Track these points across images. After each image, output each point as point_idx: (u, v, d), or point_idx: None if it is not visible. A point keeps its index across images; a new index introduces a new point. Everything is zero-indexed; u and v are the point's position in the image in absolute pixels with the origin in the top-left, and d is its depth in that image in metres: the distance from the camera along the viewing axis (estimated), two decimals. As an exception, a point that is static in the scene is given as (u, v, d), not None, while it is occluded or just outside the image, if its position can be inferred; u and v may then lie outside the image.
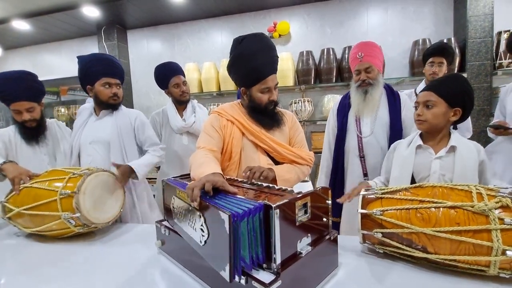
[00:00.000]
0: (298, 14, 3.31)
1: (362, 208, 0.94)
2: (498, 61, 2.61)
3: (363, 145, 1.60)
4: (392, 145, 1.31)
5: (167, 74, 1.86)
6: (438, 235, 0.78)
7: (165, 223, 1.02)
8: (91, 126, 1.53)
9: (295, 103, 3.12)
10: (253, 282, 0.61)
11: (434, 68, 2.03)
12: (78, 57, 1.51)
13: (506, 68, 2.57)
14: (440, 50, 2.04)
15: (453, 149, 1.11)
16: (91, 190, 1.18)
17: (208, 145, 1.16)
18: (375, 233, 0.89)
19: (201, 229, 0.71)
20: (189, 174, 1.09)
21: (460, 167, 1.07)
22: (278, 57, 1.21)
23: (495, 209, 0.75)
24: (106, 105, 1.52)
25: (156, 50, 3.85)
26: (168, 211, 0.98)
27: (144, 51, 3.89)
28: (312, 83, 3.17)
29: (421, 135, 1.21)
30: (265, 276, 0.62)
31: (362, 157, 1.61)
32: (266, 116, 1.23)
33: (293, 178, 1.19)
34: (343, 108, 1.71)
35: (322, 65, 3.12)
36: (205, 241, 0.69)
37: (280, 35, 3.32)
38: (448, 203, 0.81)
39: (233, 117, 1.24)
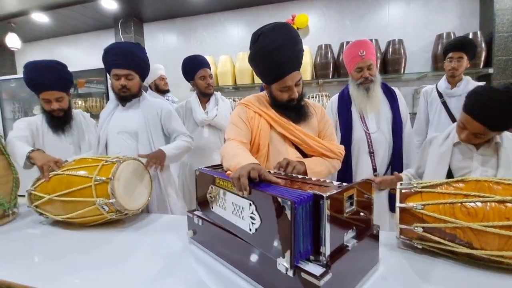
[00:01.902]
0: (316, 7, 3.25)
1: (401, 202, 0.92)
2: (527, 56, 2.51)
3: (372, 141, 1.63)
4: (427, 139, 1.28)
5: (194, 66, 1.87)
6: (486, 230, 0.76)
7: (197, 213, 1.02)
8: (118, 116, 1.54)
9: (312, 97, 3.09)
10: (302, 274, 0.60)
11: (453, 63, 1.95)
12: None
13: (536, 63, 2.47)
14: (459, 44, 1.96)
15: (496, 144, 1.07)
16: (124, 177, 1.20)
17: (238, 136, 1.15)
18: (415, 228, 0.87)
19: (251, 217, 0.71)
20: (220, 165, 1.09)
21: (505, 163, 1.03)
22: (302, 50, 1.13)
23: (550, 204, 0.72)
24: (120, 97, 1.51)
25: (172, 43, 3.85)
26: (202, 201, 0.98)
27: (160, 44, 3.89)
28: (330, 77, 3.13)
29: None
30: (314, 269, 0.61)
31: (371, 153, 1.63)
32: (291, 110, 1.20)
33: (324, 171, 1.17)
34: (345, 106, 1.70)
35: (341, 59, 3.06)
36: (256, 229, 0.69)
37: (298, 28, 3.27)
38: (497, 197, 0.78)
39: (260, 109, 1.21)
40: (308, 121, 1.23)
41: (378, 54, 2.90)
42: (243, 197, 0.72)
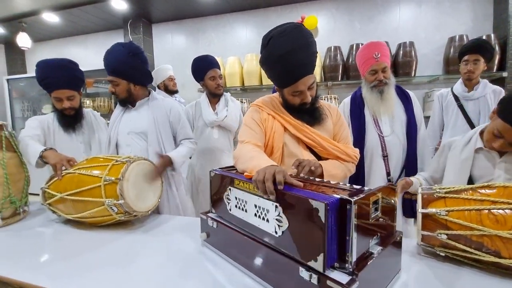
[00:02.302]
0: (326, 9, 3.23)
1: (423, 207, 0.89)
2: (543, 60, 2.45)
3: (386, 144, 1.59)
4: (446, 143, 1.23)
5: (204, 67, 1.85)
6: (517, 239, 0.72)
7: (211, 215, 0.99)
8: (128, 117, 1.53)
9: (321, 99, 3.05)
10: (327, 282, 0.57)
11: (469, 66, 1.92)
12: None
13: (552, 67, 2.41)
14: (475, 46, 1.92)
15: None
16: (134, 178, 1.18)
17: (253, 139, 1.12)
18: (439, 235, 0.84)
19: (277, 219, 0.69)
20: (232, 167, 1.06)
21: None
22: (315, 52, 1.07)
23: None
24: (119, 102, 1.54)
25: (180, 44, 3.86)
26: (218, 203, 0.96)
27: (169, 45, 3.90)
28: (340, 79, 3.10)
29: (481, 135, 1.12)
30: (340, 276, 0.58)
31: (385, 157, 1.60)
32: (304, 113, 1.16)
33: (339, 175, 1.14)
34: (357, 108, 1.66)
35: (350, 61, 3.04)
36: (283, 231, 0.68)
37: (307, 30, 3.25)
38: (528, 205, 0.74)
39: (274, 111, 1.19)
40: (323, 124, 1.20)
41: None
42: (268, 199, 0.71)
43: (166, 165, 1.37)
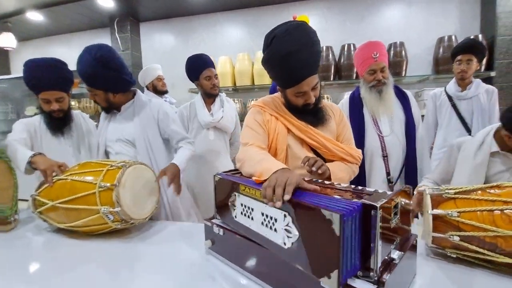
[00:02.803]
0: (317, 8, 3.24)
1: (432, 208, 0.87)
2: (527, 60, 2.54)
3: (386, 144, 1.59)
4: (455, 143, 1.22)
5: (199, 66, 1.79)
6: (532, 239, 0.72)
7: (216, 221, 0.95)
8: (115, 123, 1.46)
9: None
10: (352, 292, 0.54)
11: (462, 66, 1.95)
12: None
13: (537, 67, 2.51)
14: (468, 47, 1.96)
15: None
16: (130, 183, 1.11)
17: (257, 141, 1.08)
18: (450, 236, 0.82)
19: (286, 229, 0.64)
20: (236, 170, 1.02)
21: None
22: (319, 52, 1.04)
23: None
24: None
25: (169, 44, 3.77)
26: (223, 209, 0.91)
27: (157, 44, 3.80)
28: (332, 79, 3.10)
29: (495, 137, 1.10)
30: (364, 285, 0.55)
31: (385, 157, 1.59)
32: (307, 114, 1.13)
33: (345, 178, 1.12)
34: (356, 108, 1.65)
35: (342, 61, 3.05)
36: (293, 243, 0.63)
37: (299, 30, 3.24)
38: (541, 204, 0.74)
39: (276, 112, 1.15)
40: (326, 125, 1.17)
41: (380, 57, 2.89)
42: (276, 207, 0.66)
43: (175, 174, 1.32)
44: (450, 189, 0.91)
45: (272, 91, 2.24)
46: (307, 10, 3.24)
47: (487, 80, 2.67)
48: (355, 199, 0.60)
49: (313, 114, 1.13)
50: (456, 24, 2.88)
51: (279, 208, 0.66)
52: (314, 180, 0.87)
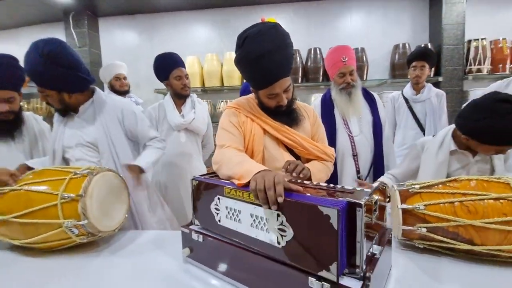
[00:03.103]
0: (285, 12, 3.31)
1: (401, 203, 0.94)
2: (468, 67, 2.88)
3: (355, 143, 1.68)
4: (418, 144, 1.32)
5: (168, 65, 1.71)
6: (487, 226, 0.80)
7: (194, 227, 0.91)
8: (72, 125, 1.31)
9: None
10: (340, 289, 0.56)
11: (417, 71, 2.16)
12: None
13: (475, 74, 2.84)
14: (422, 54, 2.19)
15: None
16: (98, 193, 1.02)
17: (233, 143, 1.06)
18: (418, 228, 0.89)
19: (280, 229, 0.65)
20: (213, 173, 0.99)
21: (499, 167, 1.12)
22: (292, 54, 1.05)
23: (538, 199, 0.79)
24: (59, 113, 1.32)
25: (132, 41, 3.56)
26: (203, 214, 0.88)
27: (118, 42, 3.57)
28: (299, 82, 3.19)
29: (453, 137, 1.20)
30: (351, 283, 0.57)
31: (355, 156, 1.68)
32: (282, 115, 1.14)
33: (324, 177, 1.15)
34: (328, 110, 1.73)
35: (309, 64, 3.16)
36: (287, 241, 0.64)
37: (268, 32, 3.28)
38: (493, 194, 0.83)
39: (251, 113, 1.15)
40: (300, 125, 1.19)
41: (344, 61, 3.04)
42: (268, 208, 0.66)
43: (139, 174, 1.23)
44: (416, 184, 0.98)
45: (242, 92, 2.23)
46: (275, 13, 3.30)
47: (436, 85, 2.96)
48: (340, 198, 0.61)
49: (287, 115, 1.15)
50: (409, 33, 3.15)
51: (270, 208, 0.66)
52: (293, 180, 0.88)
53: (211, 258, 0.84)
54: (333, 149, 1.26)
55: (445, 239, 0.86)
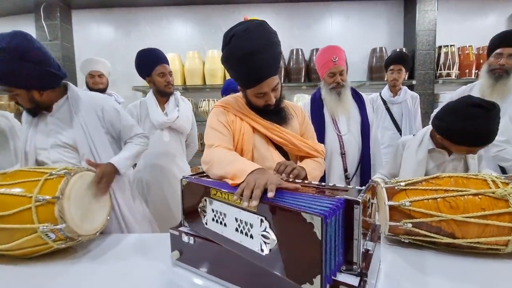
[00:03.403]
0: (267, 12, 3.32)
1: (388, 200, 0.97)
2: (438, 71, 3.06)
3: (343, 142, 1.71)
4: (400, 143, 1.38)
5: (151, 61, 1.64)
6: (468, 220, 0.85)
7: (183, 229, 0.88)
8: (46, 125, 1.20)
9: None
10: (340, 286, 0.56)
11: (394, 74, 2.27)
12: None
13: (445, 78, 3.03)
14: (399, 58, 2.30)
15: None
16: (76, 194, 0.95)
17: (223, 142, 1.04)
18: (404, 224, 0.93)
19: (263, 235, 0.62)
20: (203, 172, 0.97)
21: (472, 166, 1.20)
22: (280, 53, 1.03)
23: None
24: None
25: (108, 36, 3.39)
26: (192, 216, 0.85)
27: (94, 36, 3.39)
28: (282, 82, 3.21)
29: (431, 136, 1.27)
30: (349, 279, 0.58)
31: (343, 154, 1.72)
32: (270, 114, 1.13)
33: (319, 175, 1.15)
34: (317, 109, 1.77)
35: (291, 64, 3.19)
36: (271, 249, 0.61)
37: (250, 32, 3.28)
38: (472, 190, 0.89)
39: (240, 112, 1.13)
40: (289, 124, 1.19)
41: (325, 62, 3.11)
42: (252, 211, 0.64)
43: (109, 173, 1.13)
44: (401, 181, 1.02)
45: (224, 91, 2.21)
46: (258, 13, 3.30)
47: (409, 88, 3.11)
48: (337, 196, 0.62)
49: (276, 114, 1.14)
50: (385, 37, 3.29)
51: (255, 213, 0.64)
52: (291, 180, 0.88)
53: (203, 261, 0.81)
54: (322, 145, 1.26)
55: (428, 233, 0.91)
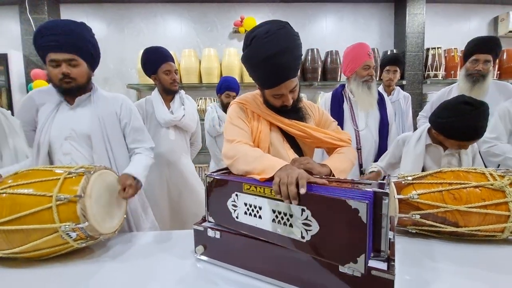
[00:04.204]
0: (263, 12, 3.35)
1: (397, 194, 1.04)
2: (426, 72, 3.21)
3: (360, 137, 1.77)
4: (400, 138, 1.47)
5: (157, 59, 1.64)
6: (470, 210, 0.93)
7: (208, 224, 0.91)
8: (63, 118, 1.21)
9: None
10: (372, 272, 0.61)
11: (390, 75, 2.38)
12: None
13: (432, 78, 3.19)
14: (395, 59, 2.41)
15: None
16: (97, 193, 0.96)
17: (244, 138, 1.05)
18: (413, 215, 1.00)
19: (305, 223, 0.67)
20: (226, 169, 1.00)
21: (465, 162, 1.29)
22: (301, 55, 1.03)
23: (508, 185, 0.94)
24: (62, 91, 1.20)
25: (99, 32, 3.30)
26: (218, 211, 0.88)
27: (84, 32, 3.29)
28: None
29: (428, 133, 1.37)
30: (380, 264, 0.63)
31: (359, 149, 1.77)
32: (288, 112, 1.12)
33: (349, 166, 1.11)
34: (337, 103, 1.82)
35: (287, 64, 3.24)
36: (312, 236, 0.66)
37: (246, 31, 3.29)
38: (473, 183, 0.97)
39: (259, 109, 1.14)
40: (306, 123, 1.17)
41: (319, 62, 3.19)
42: (291, 203, 0.69)
43: (132, 184, 1.11)
44: (408, 176, 1.09)
45: (218, 90, 2.23)
46: (253, 12, 3.32)
47: (401, 87, 3.26)
48: (365, 189, 0.67)
49: (294, 112, 1.14)
50: (376, 39, 3.41)
51: (294, 204, 0.68)
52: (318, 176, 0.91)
53: (230, 254, 0.84)
54: (348, 133, 1.24)
55: (434, 223, 0.98)
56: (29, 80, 3.00)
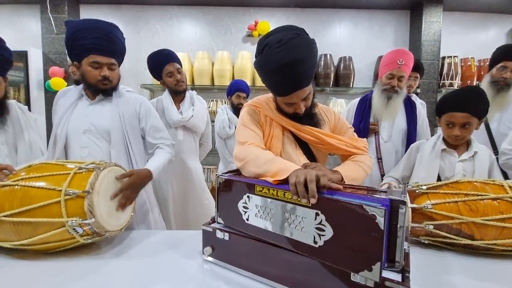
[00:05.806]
0: (277, 16, 3.36)
1: (411, 203, 1.01)
2: (441, 81, 3.14)
3: (381, 148, 1.71)
4: (414, 145, 1.43)
5: (159, 63, 1.67)
6: (487, 223, 0.89)
7: (217, 225, 0.90)
8: (83, 112, 1.24)
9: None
10: (386, 282, 0.59)
11: (411, 81, 2.33)
12: (66, 23, 1.22)
13: (448, 87, 3.11)
14: (416, 66, 2.34)
15: (474, 153, 1.29)
16: (105, 189, 0.96)
17: (256, 141, 1.04)
18: (426, 225, 0.96)
19: (318, 228, 0.65)
20: (237, 170, 0.98)
21: (479, 169, 1.25)
22: (315, 63, 0.98)
23: (529, 199, 0.90)
24: (95, 90, 1.24)
25: (116, 33, 3.38)
26: (229, 212, 0.87)
27: (101, 32, 3.37)
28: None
29: (443, 139, 1.34)
30: (394, 276, 0.61)
31: (379, 159, 1.71)
32: (302, 118, 1.09)
33: (361, 175, 1.07)
34: (363, 111, 1.75)
35: (299, 69, 3.23)
36: (325, 241, 0.64)
37: (259, 35, 3.31)
38: (491, 195, 0.93)
39: (272, 113, 1.11)
40: (320, 129, 1.14)
41: (332, 68, 3.16)
42: (306, 206, 0.67)
43: (142, 183, 1.14)
44: (423, 185, 1.06)
45: (229, 92, 2.23)
46: (268, 16, 3.33)
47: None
48: (382, 196, 0.65)
49: (308, 118, 1.11)
50: (391, 46, 3.36)
51: (309, 207, 0.66)
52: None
53: (238, 257, 0.83)
54: (364, 140, 1.18)
55: (449, 235, 0.94)
56: (47, 77, 3.09)
